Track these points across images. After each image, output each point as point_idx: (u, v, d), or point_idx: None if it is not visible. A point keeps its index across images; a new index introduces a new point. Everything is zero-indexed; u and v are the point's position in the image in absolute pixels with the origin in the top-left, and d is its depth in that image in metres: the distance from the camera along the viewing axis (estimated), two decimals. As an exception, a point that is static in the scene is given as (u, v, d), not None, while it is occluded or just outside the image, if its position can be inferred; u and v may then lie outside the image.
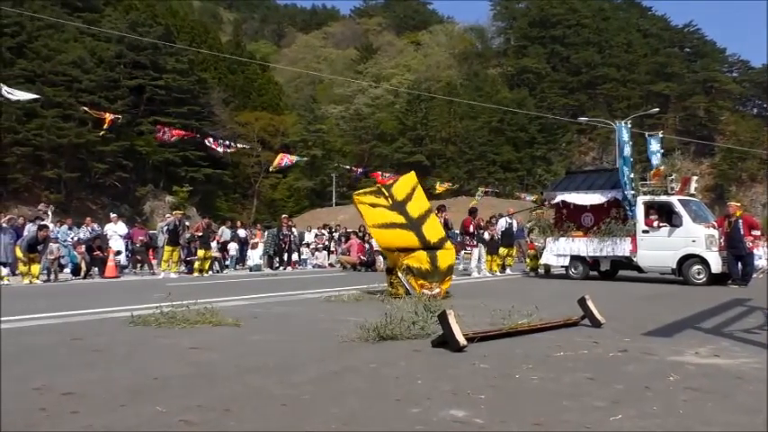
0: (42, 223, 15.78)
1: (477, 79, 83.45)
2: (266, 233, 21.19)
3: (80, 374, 3.98)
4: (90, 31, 51.09)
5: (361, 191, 10.34)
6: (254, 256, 19.89)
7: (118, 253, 16.69)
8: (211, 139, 21.15)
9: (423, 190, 10.25)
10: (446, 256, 9.58)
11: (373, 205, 9.60)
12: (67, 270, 16.20)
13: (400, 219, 9.40)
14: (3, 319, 6.63)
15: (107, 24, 53.79)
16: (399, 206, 9.57)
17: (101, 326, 6.37)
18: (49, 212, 18.86)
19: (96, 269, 15.81)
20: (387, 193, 9.71)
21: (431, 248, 9.39)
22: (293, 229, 21.62)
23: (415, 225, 9.42)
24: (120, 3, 61.39)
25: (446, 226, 15.84)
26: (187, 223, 17.06)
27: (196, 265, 16.82)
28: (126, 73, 56.21)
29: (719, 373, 4.12)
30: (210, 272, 17.32)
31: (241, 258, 21.12)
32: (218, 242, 19.52)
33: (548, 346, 5.05)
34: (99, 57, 53.66)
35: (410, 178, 10.36)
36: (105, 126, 18.66)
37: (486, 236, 16.83)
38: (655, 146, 16.23)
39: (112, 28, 52.31)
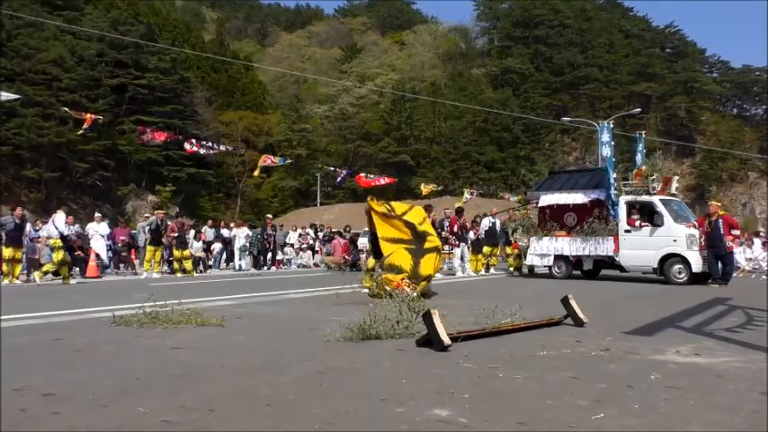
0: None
1: (461, 79, 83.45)
2: (251, 232, 21.09)
3: (61, 375, 3.94)
4: (70, 30, 50.51)
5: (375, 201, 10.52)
6: (240, 240, 19.88)
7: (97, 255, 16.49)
8: (194, 141, 20.93)
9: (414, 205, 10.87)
10: (429, 262, 9.62)
11: (385, 215, 9.89)
12: (48, 270, 15.97)
13: (408, 234, 9.73)
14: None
15: (88, 23, 53.24)
16: (408, 223, 9.91)
17: (82, 326, 6.29)
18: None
19: (77, 269, 15.64)
20: (396, 214, 10.03)
21: (423, 252, 9.51)
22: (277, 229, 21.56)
23: (419, 237, 9.77)
24: (100, 1, 60.69)
25: (433, 226, 15.89)
26: (170, 223, 16.90)
27: (175, 265, 16.70)
28: (107, 72, 55.69)
29: (700, 371, 4.16)
30: (195, 272, 17.20)
31: (226, 258, 21.01)
32: (204, 242, 19.40)
33: (531, 345, 5.08)
34: (80, 55, 53.12)
35: (420, 212, 10.61)
36: (85, 126, 18.44)
37: (471, 235, 16.91)
38: (638, 146, 16.36)
39: (93, 26, 51.84)
